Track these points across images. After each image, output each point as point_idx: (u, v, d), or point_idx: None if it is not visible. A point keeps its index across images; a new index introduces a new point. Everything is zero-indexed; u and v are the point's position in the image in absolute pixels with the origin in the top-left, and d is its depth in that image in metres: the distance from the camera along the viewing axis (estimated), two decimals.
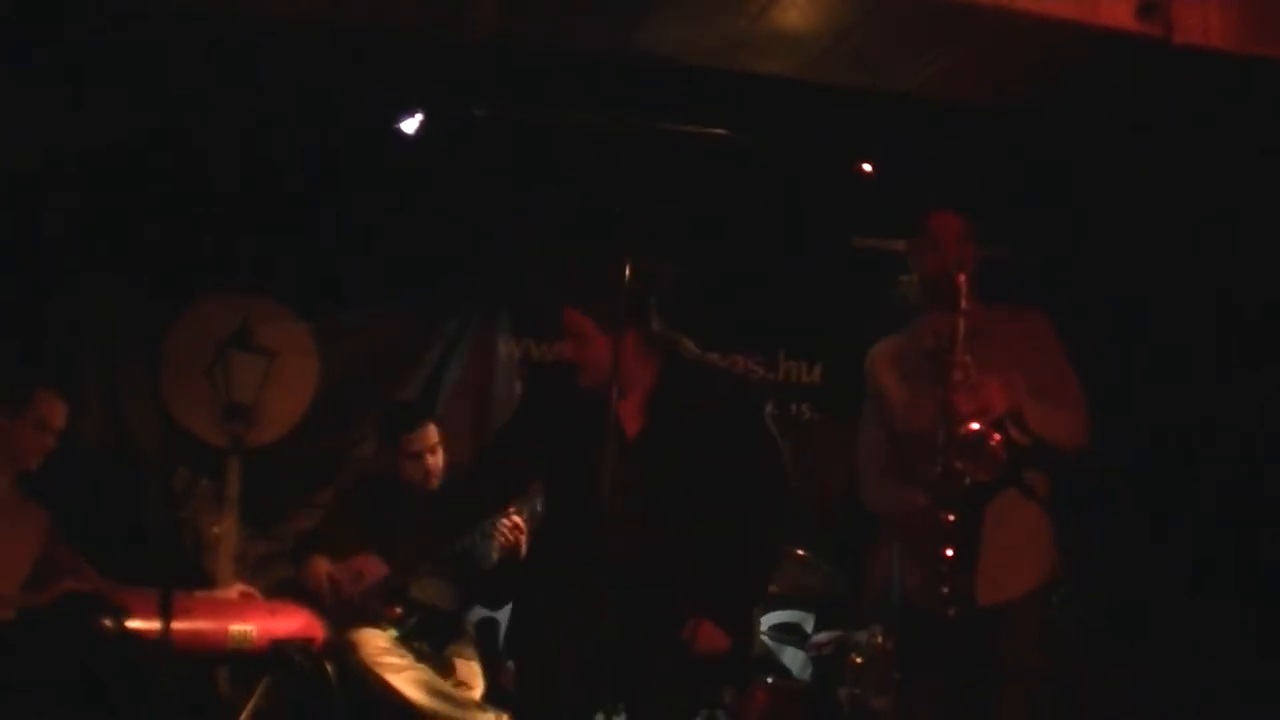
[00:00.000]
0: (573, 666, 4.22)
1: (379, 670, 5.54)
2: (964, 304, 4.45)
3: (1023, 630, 4.43)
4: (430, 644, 5.80)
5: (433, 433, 6.03)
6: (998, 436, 4.33)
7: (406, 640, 5.73)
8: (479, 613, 6.07)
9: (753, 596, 4.66)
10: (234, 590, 5.71)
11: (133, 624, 4.87)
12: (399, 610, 5.79)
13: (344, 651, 5.55)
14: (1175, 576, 5.91)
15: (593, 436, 4.13)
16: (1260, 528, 5.80)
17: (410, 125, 5.34)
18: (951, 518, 4.33)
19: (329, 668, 5.50)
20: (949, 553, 4.34)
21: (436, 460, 6.01)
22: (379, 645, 5.62)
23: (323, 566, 5.65)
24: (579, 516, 4.16)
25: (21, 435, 5.37)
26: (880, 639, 5.63)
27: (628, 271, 4.05)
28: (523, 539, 5.76)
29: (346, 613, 5.55)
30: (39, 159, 5.89)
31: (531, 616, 4.49)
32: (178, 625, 4.88)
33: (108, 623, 4.81)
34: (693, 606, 4.27)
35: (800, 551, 5.85)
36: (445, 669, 5.76)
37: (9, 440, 5.35)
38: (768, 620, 6.38)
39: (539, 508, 5.39)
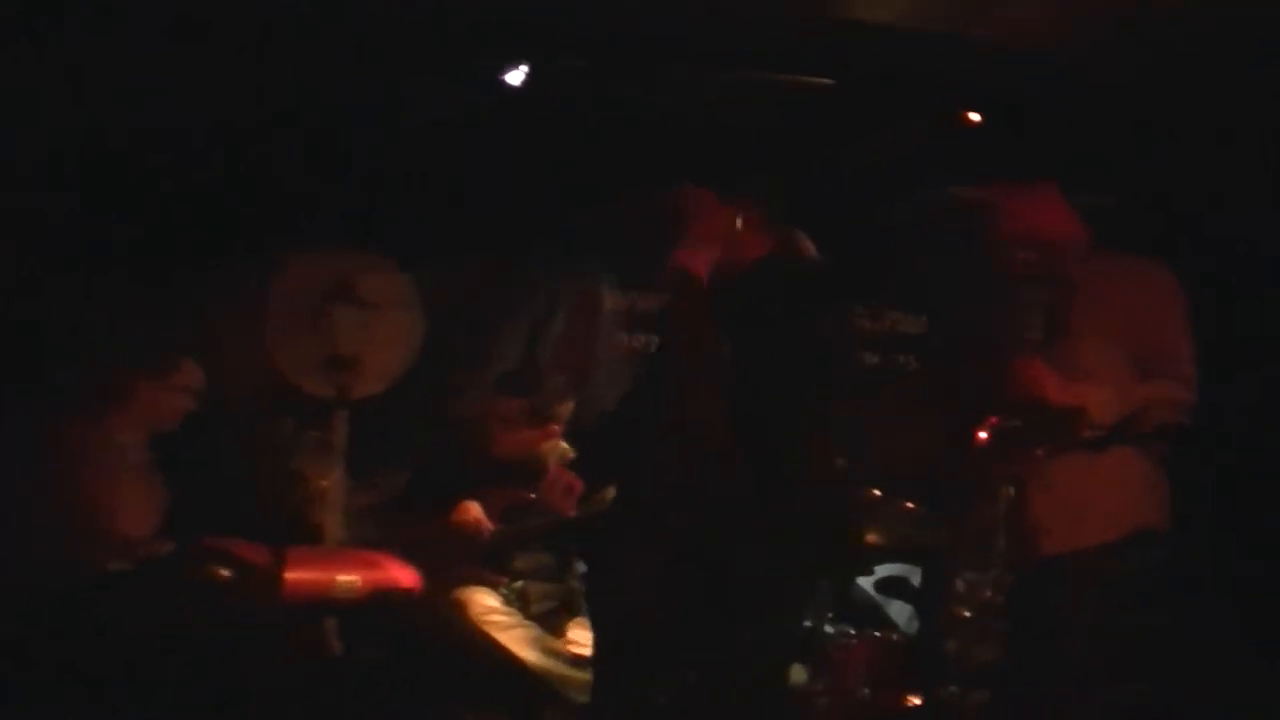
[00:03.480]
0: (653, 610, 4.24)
1: (488, 628, 5.57)
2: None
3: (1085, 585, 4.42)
4: (538, 605, 5.83)
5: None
6: None
7: (514, 600, 5.77)
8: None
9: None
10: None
11: (246, 574, 4.92)
12: (505, 577, 5.83)
13: (452, 610, 5.59)
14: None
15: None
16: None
17: (515, 77, 5.33)
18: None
19: (431, 622, 5.55)
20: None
21: None
22: (487, 604, 5.66)
23: (474, 510, 5.71)
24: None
25: (162, 399, 5.45)
26: (989, 592, 5.59)
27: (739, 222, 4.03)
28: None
29: (486, 555, 5.71)
30: (146, 125, 5.92)
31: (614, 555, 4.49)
32: (288, 575, 4.94)
33: (224, 573, 4.87)
34: None
35: (909, 504, 5.80)
36: (556, 628, 5.78)
37: (150, 404, 5.43)
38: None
39: None
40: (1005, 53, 5.52)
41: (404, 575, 5.54)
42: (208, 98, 5.87)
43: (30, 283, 5.80)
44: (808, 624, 5.29)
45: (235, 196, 6.37)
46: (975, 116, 6.09)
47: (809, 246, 4.49)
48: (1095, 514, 4.49)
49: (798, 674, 5.18)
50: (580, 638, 5.72)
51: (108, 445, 5.42)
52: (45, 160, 5.83)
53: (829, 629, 5.51)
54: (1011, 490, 4.58)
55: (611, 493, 5.52)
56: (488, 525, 5.82)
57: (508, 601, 5.75)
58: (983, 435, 4.69)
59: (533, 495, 5.90)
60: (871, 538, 5.63)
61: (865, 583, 6.08)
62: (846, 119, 6.14)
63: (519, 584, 5.82)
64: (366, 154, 6.36)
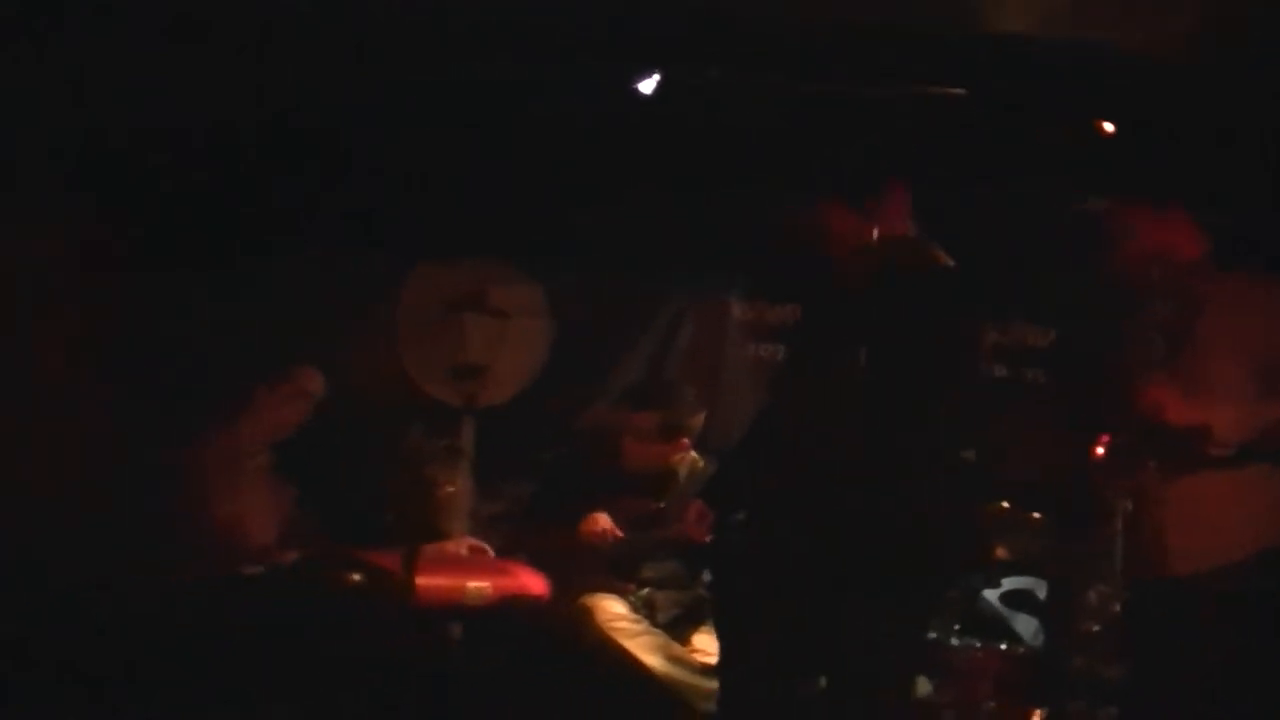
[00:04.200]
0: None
1: (615, 635, 5.61)
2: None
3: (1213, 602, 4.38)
4: (665, 612, 5.86)
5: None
6: None
7: (642, 608, 5.80)
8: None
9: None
10: (464, 546, 5.84)
11: (377, 579, 4.99)
12: (633, 584, 5.87)
13: (579, 616, 5.63)
14: None
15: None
16: None
17: (647, 87, 5.34)
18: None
19: (559, 629, 5.60)
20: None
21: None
22: (614, 611, 5.69)
23: (603, 521, 5.77)
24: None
25: (284, 408, 5.54)
26: (1116, 607, 5.53)
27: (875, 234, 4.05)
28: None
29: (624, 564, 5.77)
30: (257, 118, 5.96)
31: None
32: (420, 581, 5.01)
33: (355, 578, 4.95)
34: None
35: (1036, 515, 5.77)
36: (682, 635, 5.81)
37: (271, 413, 5.53)
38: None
39: None
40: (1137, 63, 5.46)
41: (534, 582, 5.61)
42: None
43: (140, 290, 5.86)
44: (934, 636, 5.28)
45: (366, 204, 6.39)
46: (1108, 127, 6.03)
47: (943, 257, 4.49)
48: (1223, 531, 4.44)
49: (923, 686, 5.17)
50: (706, 646, 5.73)
51: (228, 451, 5.52)
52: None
53: (955, 641, 5.50)
54: (1131, 505, 4.54)
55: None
56: (616, 535, 5.86)
57: (635, 609, 5.79)
58: (1105, 449, 4.66)
59: (662, 505, 5.92)
60: (998, 550, 5.61)
61: (991, 595, 6.04)
62: (977, 127, 6.09)
63: (646, 592, 5.86)
64: (500, 165, 6.38)
